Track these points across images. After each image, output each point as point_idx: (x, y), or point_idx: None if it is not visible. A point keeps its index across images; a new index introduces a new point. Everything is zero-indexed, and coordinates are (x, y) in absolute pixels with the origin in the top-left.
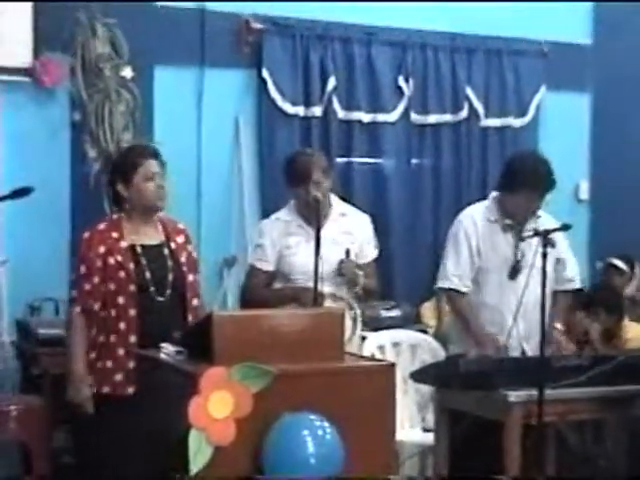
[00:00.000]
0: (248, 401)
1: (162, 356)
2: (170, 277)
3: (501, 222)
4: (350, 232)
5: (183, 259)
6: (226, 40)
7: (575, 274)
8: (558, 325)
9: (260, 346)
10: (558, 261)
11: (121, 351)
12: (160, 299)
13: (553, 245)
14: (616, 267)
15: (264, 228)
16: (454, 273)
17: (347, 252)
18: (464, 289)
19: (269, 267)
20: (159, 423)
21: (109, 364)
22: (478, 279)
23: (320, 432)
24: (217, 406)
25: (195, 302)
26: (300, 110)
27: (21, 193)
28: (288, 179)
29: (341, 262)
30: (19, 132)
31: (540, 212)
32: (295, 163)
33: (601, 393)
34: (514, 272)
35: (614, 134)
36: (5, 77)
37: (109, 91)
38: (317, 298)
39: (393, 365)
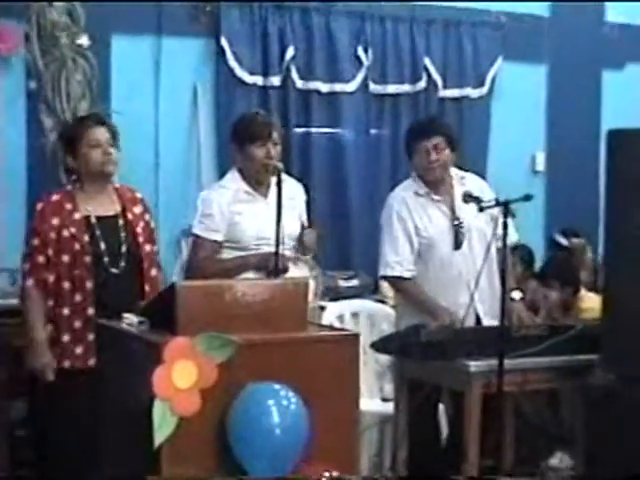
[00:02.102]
0: (212, 371)
1: (124, 326)
2: (124, 249)
3: (428, 196)
4: (292, 197)
5: (139, 229)
6: (184, 8)
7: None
8: (515, 293)
9: (224, 316)
10: (492, 218)
11: (78, 323)
12: (115, 271)
13: (514, 215)
14: (558, 243)
15: (210, 197)
16: (394, 260)
17: (306, 223)
18: (407, 274)
19: (218, 237)
20: (122, 394)
21: (66, 337)
22: (422, 255)
23: (285, 402)
24: (181, 376)
25: (153, 272)
26: (258, 79)
27: None
28: (244, 137)
29: (302, 232)
30: None
31: (463, 173)
32: (255, 121)
33: (559, 363)
34: (457, 242)
35: (570, 106)
36: None
37: (65, 59)
38: (283, 263)
39: (357, 335)
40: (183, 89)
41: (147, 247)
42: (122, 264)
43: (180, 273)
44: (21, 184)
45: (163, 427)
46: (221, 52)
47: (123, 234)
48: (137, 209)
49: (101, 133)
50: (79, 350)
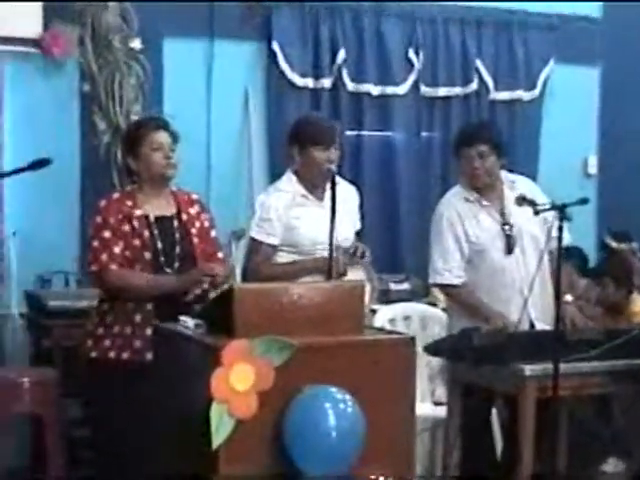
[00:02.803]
0: (270, 374)
1: (181, 329)
2: (178, 250)
3: (478, 202)
4: (346, 200)
5: (194, 230)
6: (236, 11)
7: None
8: (568, 297)
9: (281, 319)
10: (545, 221)
11: (138, 317)
12: (169, 271)
13: (570, 219)
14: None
15: (269, 201)
16: (444, 267)
17: (359, 225)
18: (457, 281)
19: (276, 241)
20: (179, 396)
21: (128, 330)
22: (473, 261)
23: (342, 405)
24: (239, 379)
25: (219, 255)
26: (309, 82)
27: (39, 165)
28: (308, 140)
29: (353, 245)
30: (28, 104)
31: (514, 176)
32: (320, 125)
33: (614, 367)
34: (509, 247)
35: (623, 108)
36: (14, 48)
37: (119, 63)
38: (340, 267)
39: (413, 338)
40: (235, 92)
41: (202, 246)
42: (176, 264)
43: (231, 274)
44: (74, 186)
45: (220, 429)
46: (272, 55)
47: (177, 235)
48: (193, 210)
49: (163, 137)
50: (138, 344)
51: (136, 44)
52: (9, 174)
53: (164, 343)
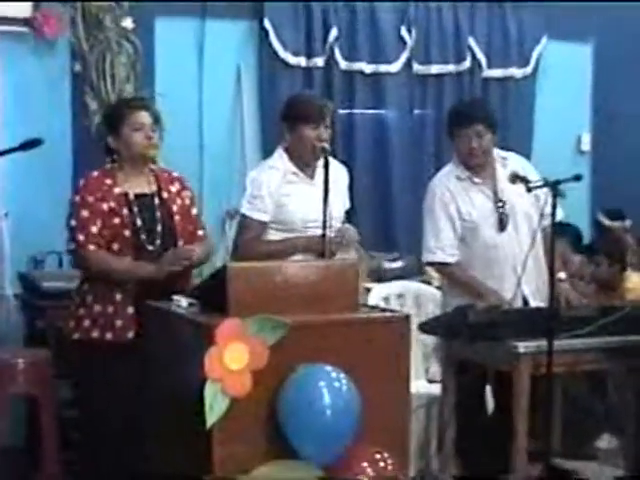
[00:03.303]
0: (264, 353)
1: (174, 308)
2: (159, 227)
3: (470, 180)
4: (336, 180)
5: (175, 208)
6: None
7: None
8: (561, 274)
9: (275, 298)
10: (537, 198)
11: (119, 296)
12: (150, 248)
13: (563, 196)
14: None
15: (260, 178)
16: (437, 246)
17: (348, 204)
18: (450, 259)
19: (266, 218)
20: (172, 376)
21: (110, 309)
22: (466, 239)
23: (336, 384)
24: (233, 358)
25: (200, 233)
26: (302, 61)
27: (30, 145)
28: (298, 117)
29: (342, 227)
30: (20, 83)
31: (505, 153)
32: (311, 103)
33: (608, 344)
34: (502, 224)
35: (616, 85)
36: (5, 27)
37: (110, 42)
38: (331, 247)
39: (408, 316)
40: (227, 71)
41: (183, 224)
42: (157, 242)
43: (225, 254)
44: (66, 166)
45: (215, 408)
46: (264, 34)
47: (159, 213)
48: (173, 188)
49: (144, 117)
50: (119, 323)
51: (127, 23)
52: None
53: (156, 322)
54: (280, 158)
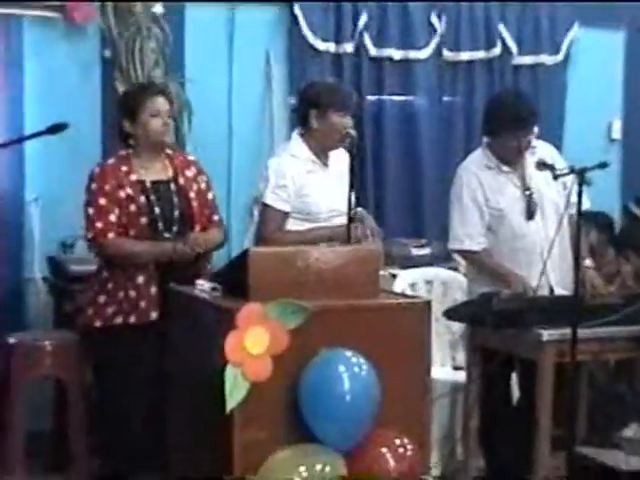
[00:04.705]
0: (284, 338)
1: (197, 292)
2: (176, 214)
3: (498, 168)
4: (344, 164)
5: (192, 194)
6: None
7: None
8: (587, 261)
9: (296, 283)
10: (564, 186)
11: (141, 278)
12: (168, 235)
13: (590, 183)
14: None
15: (284, 168)
16: (464, 233)
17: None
18: (477, 247)
19: (288, 208)
20: (194, 360)
21: (132, 293)
22: (494, 227)
23: (356, 369)
24: (253, 342)
25: (215, 217)
26: (331, 47)
27: (56, 129)
28: (329, 104)
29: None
30: (50, 69)
31: (534, 142)
32: (341, 90)
33: (634, 332)
34: (530, 212)
35: None
36: (36, 12)
37: (140, 27)
38: (357, 235)
39: (429, 302)
40: (256, 57)
41: (200, 209)
42: (174, 228)
43: (252, 240)
44: (96, 151)
45: (235, 392)
46: (294, 20)
47: (175, 199)
48: (189, 172)
49: (161, 103)
50: (143, 304)
51: (158, 9)
52: (26, 138)
53: (178, 305)
54: (299, 145)
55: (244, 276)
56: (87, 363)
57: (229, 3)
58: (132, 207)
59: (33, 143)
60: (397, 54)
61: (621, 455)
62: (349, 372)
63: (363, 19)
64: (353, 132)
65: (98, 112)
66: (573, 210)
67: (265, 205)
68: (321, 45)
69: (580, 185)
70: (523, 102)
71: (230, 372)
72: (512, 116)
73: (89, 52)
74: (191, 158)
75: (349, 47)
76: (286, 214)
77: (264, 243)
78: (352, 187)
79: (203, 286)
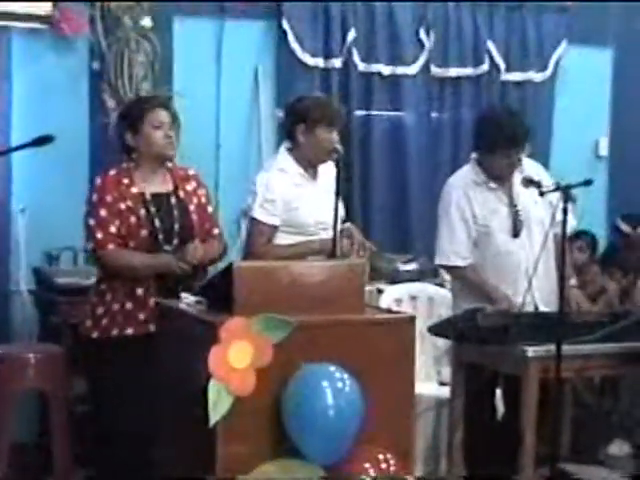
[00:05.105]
0: (268, 352)
1: (182, 305)
2: (177, 226)
3: (486, 185)
4: (331, 177)
5: (192, 207)
6: None
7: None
8: (572, 280)
9: (280, 297)
10: (551, 205)
11: (140, 291)
12: (168, 248)
13: (574, 200)
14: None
15: (272, 182)
16: (451, 249)
17: (342, 230)
18: (463, 263)
19: (277, 222)
20: (178, 373)
21: (129, 305)
22: (480, 244)
23: (339, 384)
24: (237, 356)
25: (215, 231)
26: (320, 62)
27: (42, 141)
28: (318, 120)
29: (344, 229)
30: (38, 81)
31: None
32: (331, 106)
33: (618, 349)
34: (516, 230)
35: (635, 90)
36: (25, 24)
37: (129, 41)
38: (344, 249)
39: (413, 317)
40: (245, 71)
41: (200, 223)
42: (175, 241)
43: (240, 252)
44: (83, 163)
45: (218, 406)
46: (283, 34)
47: (176, 212)
48: (189, 186)
49: (164, 115)
50: (142, 316)
51: (146, 22)
52: (11, 150)
53: (164, 319)
54: (287, 160)
55: (229, 290)
56: (81, 375)
57: (218, 16)
58: (132, 219)
59: (20, 154)
60: (385, 69)
61: (604, 472)
62: (333, 387)
63: (352, 34)
64: (339, 147)
65: (86, 124)
66: (558, 228)
67: (253, 219)
68: (309, 60)
69: (565, 202)
70: (518, 120)
71: (214, 386)
72: (509, 134)
73: (77, 64)
74: (191, 172)
75: (337, 62)
76: (275, 228)
77: (252, 257)
78: (337, 202)
79: (188, 299)
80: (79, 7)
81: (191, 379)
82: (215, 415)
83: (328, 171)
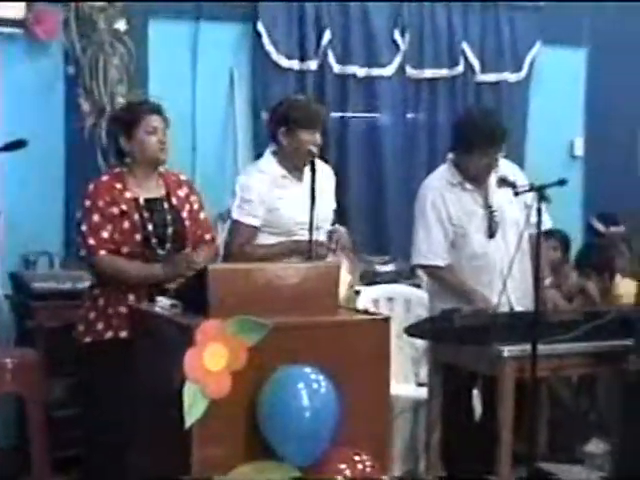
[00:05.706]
0: (243, 354)
1: (157, 309)
2: (170, 231)
3: (462, 186)
4: (322, 180)
5: (185, 213)
6: None
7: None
8: (547, 280)
9: (255, 299)
10: (526, 205)
11: (132, 297)
12: (161, 252)
13: (549, 201)
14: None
15: (250, 183)
16: (428, 249)
17: (334, 205)
18: (441, 262)
19: (257, 223)
20: (154, 376)
21: (123, 309)
22: (456, 244)
23: (315, 385)
24: (212, 359)
25: (208, 236)
26: (295, 64)
27: (15, 146)
28: (298, 122)
29: (332, 231)
30: (13, 85)
31: None
32: (311, 108)
33: (594, 348)
34: (491, 231)
35: (609, 90)
36: None
37: (103, 44)
38: (321, 251)
39: (388, 319)
40: (220, 73)
41: (193, 228)
42: (168, 246)
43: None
44: (59, 167)
45: (194, 409)
46: (258, 36)
47: (169, 217)
48: (181, 192)
49: (157, 120)
50: None
51: (121, 25)
52: None
53: (139, 323)
54: (269, 162)
55: (203, 293)
56: (60, 379)
57: (193, 19)
58: (126, 224)
59: None
60: (361, 71)
61: (582, 470)
62: (308, 389)
63: (327, 36)
64: (314, 149)
65: (61, 128)
66: (533, 229)
67: (233, 220)
68: (285, 62)
69: (539, 202)
70: (495, 121)
71: (189, 388)
72: (487, 134)
73: (52, 69)
74: (183, 178)
75: (313, 64)
76: (255, 228)
77: (232, 257)
78: (313, 203)
79: (163, 302)
80: (53, 10)
81: (167, 382)
82: (191, 418)
83: (325, 173)
